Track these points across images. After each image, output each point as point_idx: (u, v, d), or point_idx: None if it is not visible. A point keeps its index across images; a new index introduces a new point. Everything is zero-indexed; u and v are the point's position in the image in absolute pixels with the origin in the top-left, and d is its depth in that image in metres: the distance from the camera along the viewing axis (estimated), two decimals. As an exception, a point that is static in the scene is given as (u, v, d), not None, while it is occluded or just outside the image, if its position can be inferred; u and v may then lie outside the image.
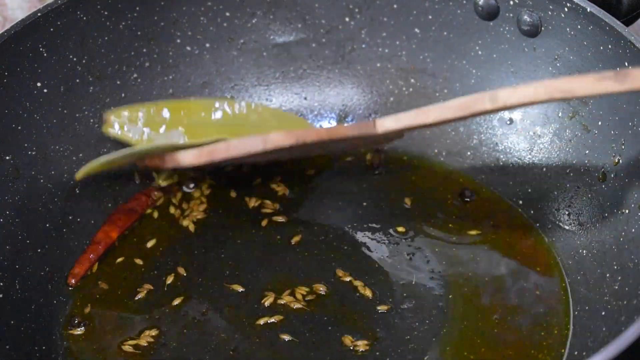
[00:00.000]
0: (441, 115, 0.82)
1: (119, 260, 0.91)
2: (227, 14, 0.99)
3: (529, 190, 0.94)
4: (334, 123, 1.01)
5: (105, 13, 0.94)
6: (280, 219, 0.94)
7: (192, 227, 0.93)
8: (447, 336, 0.84)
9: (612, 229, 0.85)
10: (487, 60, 0.96)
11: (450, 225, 0.93)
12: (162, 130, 0.94)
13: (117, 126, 0.93)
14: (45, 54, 0.91)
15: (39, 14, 0.89)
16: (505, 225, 0.92)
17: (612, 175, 0.87)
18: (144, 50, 0.97)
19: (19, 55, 0.89)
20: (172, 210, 0.95)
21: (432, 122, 0.83)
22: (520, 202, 0.94)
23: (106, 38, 0.94)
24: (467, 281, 0.88)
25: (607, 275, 0.84)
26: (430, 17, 0.97)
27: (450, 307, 0.86)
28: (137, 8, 0.95)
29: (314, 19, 1.00)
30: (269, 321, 0.85)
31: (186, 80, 0.99)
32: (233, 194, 0.96)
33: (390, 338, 0.84)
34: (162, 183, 0.96)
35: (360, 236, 0.92)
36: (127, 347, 0.84)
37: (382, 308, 0.86)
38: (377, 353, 0.83)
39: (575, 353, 0.82)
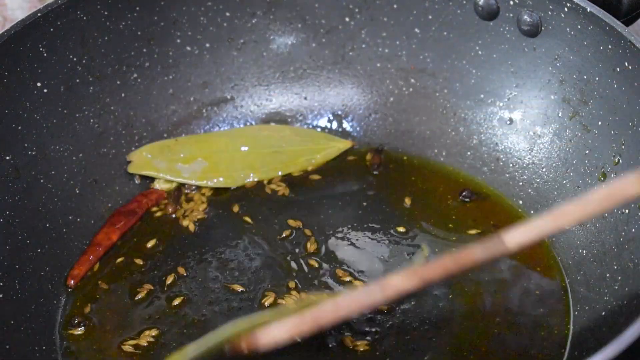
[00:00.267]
0: (582, 213, 0.66)
1: (119, 260, 0.91)
2: (227, 14, 0.99)
3: (529, 190, 0.94)
4: (334, 123, 1.01)
5: (105, 13, 0.94)
6: (280, 218, 0.94)
7: (192, 227, 0.93)
8: (447, 336, 0.84)
9: (612, 229, 0.85)
10: (487, 60, 0.96)
11: (450, 225, 0.93)
12: (179, 164, 0.96)
13: (140, 165, 0.96)
14: (45, 54, 0.91)
15: (39, 14, 0.89)
16: (505, 225, 0.92)
17: (612, 176, 0.87)
18: (144, 50, 0.97)
19: (19, 55, 0.89)
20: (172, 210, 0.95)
21: (570, 224, 0.67)
22: (520, 202, 0.94)
23: (106, 38, 0.94)
24: (467, 281, 0.88)
25: (607, 275, 0.84)
26: (430, 17, 0.97)
27: (450, 307, 0.86)
28: (137, 8, 0.95)
29: (314, 19, 1.00)
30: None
31: (186, 80, 0.99)
32: (233, 194, 0.96)
33: (390, 338, 0.84)
34: (163, 186, 0.96)
35: (360, 236, 0.92)
36: (127, 347, 0.84)
37: (382, 308, 0.86)
38: (377, 353, 0.83)
39: (575, 353, 0.82)
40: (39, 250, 0.89)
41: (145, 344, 0.84)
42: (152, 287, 0.89)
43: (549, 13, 0.90)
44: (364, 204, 0.95)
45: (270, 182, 0.97)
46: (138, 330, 0.85)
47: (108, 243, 0.91)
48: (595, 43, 0.87)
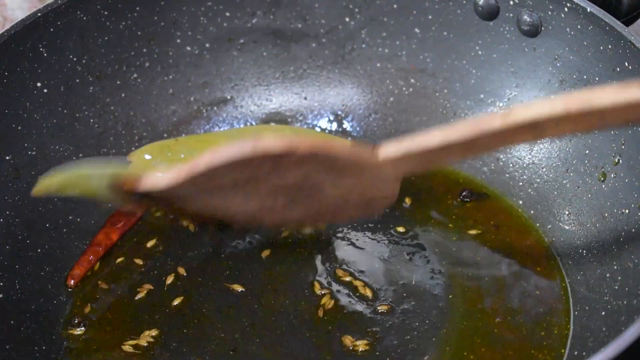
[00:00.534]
0: (446, 137, 0.75)
1: (119, 260, 0.91)
2: (227, 14, 0.99)
3: (529, 190, 0.94)
4: (334, 123, 1.01)
5: (105, 13, 0.94)
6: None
7: (192, 227, 0.93)
8: (447, 336, 0.84)
9: (612, 229, 0.85)
10: (487, 60, 0.96)
11: (450, 225, 0.93)
12: (179, 165, 0.95)
13: (141, 165, 0.94)
14: (45, 54, 0.91)
15: (39, 14, 0.89)
16: (505, 225, 0.92)
17: (612, 176, 0.87)
18: (144, 50, 0.97)
19: (19, 55, 0.89)
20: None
21: (436, 146, 0.76)
22: (520, 202, 0.94)
23: (106, 38, 0.94)
24: (467, 281, 0.88)
25: (607, 275, 0.84)
26: (430, 17, 0.97)
27: (450, 307, 0.86)
28: (137, 8, 0.95)
29: (314, 19, 1.00)
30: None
31: (186, 80, 0.99)
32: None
33: (390, 338, 0.84)
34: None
35: (360, 236, 0.92)
36: (127, 347, 0.84)
37: (382, 308, 0.86)
38: (377, 353, 0.83)
39: (575, 353, 0.82)
40: (39, 250, 0.89)
41: (145, 344, 0.84)
42: (152, 287, 0.89)
43: (549, 13, 0.90)
44: (364, 204, 0.95)
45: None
46: (138, 330, 0.85)
47: (108, 243, 0.91)
48: (595, 43, 0.87)
